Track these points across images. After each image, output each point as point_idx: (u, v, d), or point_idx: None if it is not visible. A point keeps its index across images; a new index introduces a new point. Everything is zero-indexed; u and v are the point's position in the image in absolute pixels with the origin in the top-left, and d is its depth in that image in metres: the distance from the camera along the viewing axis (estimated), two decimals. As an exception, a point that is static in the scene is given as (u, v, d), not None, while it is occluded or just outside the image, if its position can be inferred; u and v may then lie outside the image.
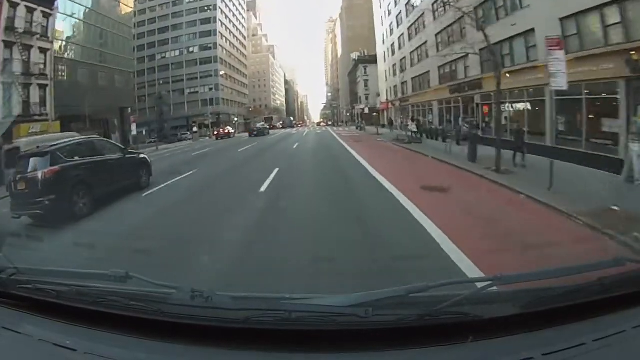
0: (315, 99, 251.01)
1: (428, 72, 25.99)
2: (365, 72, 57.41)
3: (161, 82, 63.41)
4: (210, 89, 56.84)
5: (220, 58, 59.87)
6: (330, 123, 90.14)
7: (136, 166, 9.26)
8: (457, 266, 3.35)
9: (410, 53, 30.07)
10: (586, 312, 1.04)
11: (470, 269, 3.22)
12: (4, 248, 3.60)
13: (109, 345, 1.03)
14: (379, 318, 1.00)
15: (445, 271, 3.23)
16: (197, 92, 55.50)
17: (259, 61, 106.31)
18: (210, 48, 59.49)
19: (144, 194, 8.64)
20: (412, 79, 29.71)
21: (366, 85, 56.96)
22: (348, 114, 67.50)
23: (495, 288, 1.07)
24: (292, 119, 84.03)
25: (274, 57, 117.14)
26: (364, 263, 3.64)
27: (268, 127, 49.37)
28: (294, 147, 20.87)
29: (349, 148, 17.69)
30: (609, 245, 4.15)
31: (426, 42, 26.27)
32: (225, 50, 63.56)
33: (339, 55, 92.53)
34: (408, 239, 4.40)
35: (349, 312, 1.00)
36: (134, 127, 29.25)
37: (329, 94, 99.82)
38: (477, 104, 18.83)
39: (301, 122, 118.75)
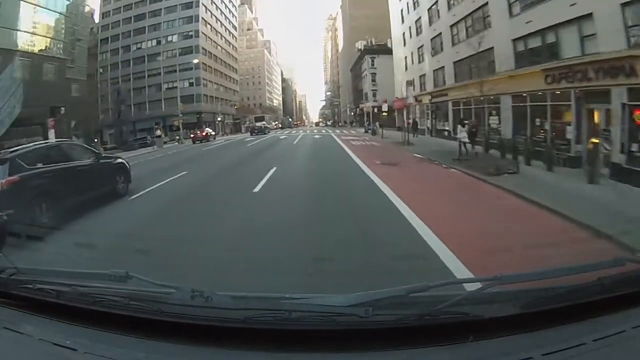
0: (314, 99, 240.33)
1: (490, 49, 16.02)
2: (373, 64, 48.00)
3: (135, 76, 53.34)
4: (191, 84, 46.64)
5: (203, 48, 50.30)
6: (329, 123, 79.93)
7: (112, 172, 8.42)
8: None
9: (451, 26, 20.29)
10: (586, 312, 1.04)
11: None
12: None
13: (109, 345, 1.03)
14: (379, 318, 0.99)
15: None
16: (176, 87, 45.30)
17: (253, 57, 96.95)
18: (191, 36, 49.30)
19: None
20: (455, 63, 19.86)
21: (374, 80, 47.62)
22: (352, 113, 57.18)
23: (495, 288, 1.06)
24: (290, 119, 74.05)
25: (270, 52, 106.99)
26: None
27: (269, 126, 50.62)
28: (258, 187, 8.58)
29: (393, 197, 7.13)
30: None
31: (486, 4, 16.27)
32: (210, 39, 53.44)
33: (339, 50, 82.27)
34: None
35: (349, 312, 0.99)
36: (51, 134, 20.27)
37: (328, 93, 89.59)
38: (624, 105, 9.88)
39: (299, 122, 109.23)
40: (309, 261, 3.81)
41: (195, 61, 43.37)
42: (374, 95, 47.71)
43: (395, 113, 35.14)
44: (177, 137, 34.49)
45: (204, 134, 35.05)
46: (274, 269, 3.49)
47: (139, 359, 0.98)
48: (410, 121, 26.66)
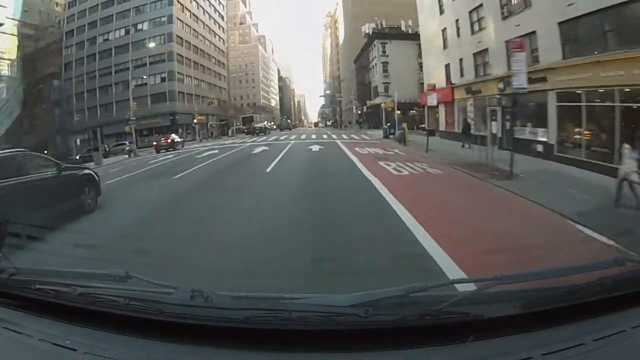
0: (313, 99, 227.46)
1: None
2: (384, 52, 37.97)
3: (101, 72, 43.87)
4: (163, 79, 36.88)
5: (179, 36, 40.43)
6: (329, 123, 69.88)
7: (76, 185, 7.32)
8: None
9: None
10: (586, 312, 1.02)
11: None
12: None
13: (109, 345, 1.02)
14: (379, 318, 0.98)
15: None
16: (146, 84, 35.52)
17: (246, 52, 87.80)
18: (164, 23, 39.30)
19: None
20: (563, 24, 10.26)
21: (386, 70, 37.55)
22: (358, 112, 47.44)
23: (495, 288, 1.04)
24: (288, 120, 64.37)
25: (265, 49, 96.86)
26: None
27: (269, 127, 49.22)
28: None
29: None
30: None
31: None
32: (189, 27, 43.69)
33: (340, 44, 72.31)
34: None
35: (349, 312, 0.98)
36: None
37: (327, 91, 79.65)
38: None
39: (298, 122, 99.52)
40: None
41: (152, 44, 33.25)
42: (386, 89, 38.08)
43: (425, 110, 25.42)
44: (128, 149, 25.03)
45: (168, 141, 28.20)
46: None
47: (139, 358, 0.98)
48: (472, 122, 16.92)
